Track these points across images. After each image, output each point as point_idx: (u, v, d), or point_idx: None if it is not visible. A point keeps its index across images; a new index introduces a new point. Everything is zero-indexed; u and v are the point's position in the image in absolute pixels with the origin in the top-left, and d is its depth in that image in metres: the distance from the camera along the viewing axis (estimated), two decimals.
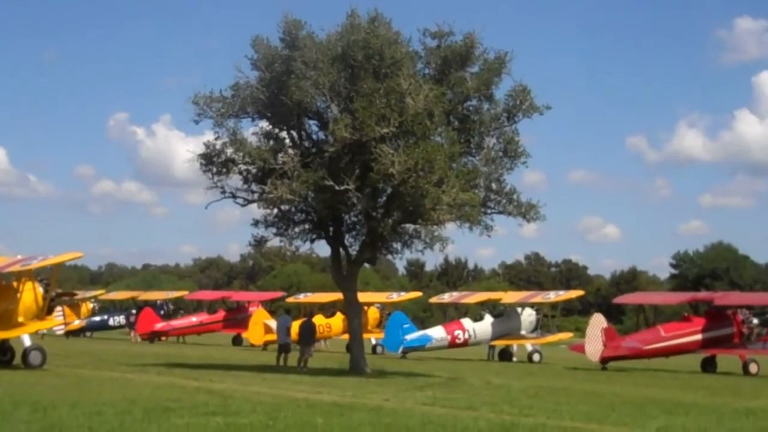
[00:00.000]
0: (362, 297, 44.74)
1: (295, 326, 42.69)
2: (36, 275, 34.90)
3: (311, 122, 37.62)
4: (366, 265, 42.89)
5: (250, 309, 67.18)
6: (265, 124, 37.74)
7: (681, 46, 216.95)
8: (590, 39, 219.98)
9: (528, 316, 57.06)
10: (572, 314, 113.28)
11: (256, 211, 38.29)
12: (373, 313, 61.80)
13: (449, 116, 36.18)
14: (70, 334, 67.92)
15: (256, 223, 38.30)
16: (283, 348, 41.07)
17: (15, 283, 34.43)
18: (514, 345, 56.40)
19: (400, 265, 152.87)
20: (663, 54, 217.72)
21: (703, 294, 60.52)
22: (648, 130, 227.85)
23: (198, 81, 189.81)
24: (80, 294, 76.04)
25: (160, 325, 68.89)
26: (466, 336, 55.68)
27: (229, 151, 36.85)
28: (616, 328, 51.14)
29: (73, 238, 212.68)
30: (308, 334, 40.26)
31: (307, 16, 36.25)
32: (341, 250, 38.68)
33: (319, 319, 56.71)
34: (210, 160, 37.25)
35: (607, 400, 27.79)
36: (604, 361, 45.82)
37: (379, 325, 61.09)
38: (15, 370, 32.46)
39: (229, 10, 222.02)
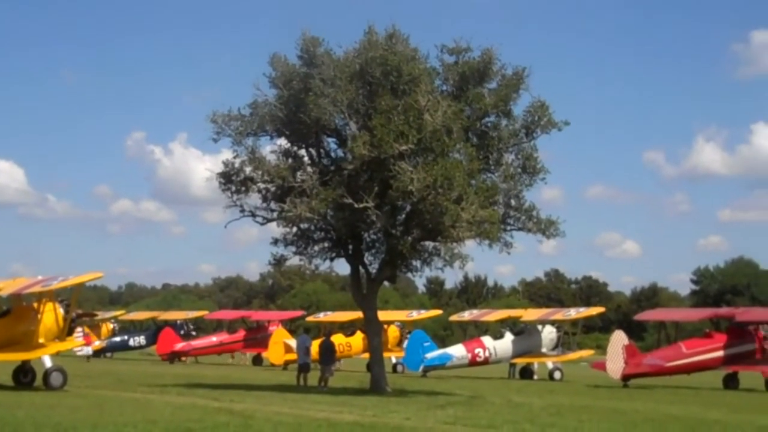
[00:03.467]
0: (382, 315, 44.60)
1: (315, 345, 42.59)
2: (56, 296, 34.88)
3: (330, 140, 37.61)
4: (386, 283, 42.72)
5: (270, 328, 67.04)
6: (283, 142, 37.74)
7: (697, 60, 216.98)
8: (606, 54, 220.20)
9: (549, 333, 56.76)
10: (593, 331, 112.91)
11: (275, 229, 38.35)
12: (393, 332, 61.61)
13: (468, 133, 36.10)
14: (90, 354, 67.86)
15: (275, 241, 38.26)
16: (303, 368, 40.88)
17: (35, 304, 34.43)
18: (535, 363, 56.12)
19: (420, 283, 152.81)
20: (679, 68, 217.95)
21: (724, 310, 60.10)
22: (665, 144, 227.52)
23: (213, 98, 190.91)
24: (100, 314, 76.14)
25: (180, 346, 68.85)
26: (487, 354, 55.40)
27: (248, 169, 36.83)
28: (638, 345, 50.85)
29: (92, 257, 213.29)
30: (327, 353, 40.13)
31: (324, 34, 36.34)
32: (361, 268, 38.56)
33: (339, 338, 56.62)
34: (229, 178, 37.25)
35: (628, 418, 27.63)
36: (626, 378, 45.57)
37: (400, 343, 60.91)
38: (36, 391, 32.42)
39: (244, 27, 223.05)
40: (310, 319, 75.10)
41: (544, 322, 57.55)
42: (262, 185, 37.13)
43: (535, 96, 36.86)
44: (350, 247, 38.09)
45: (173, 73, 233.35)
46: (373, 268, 38.35)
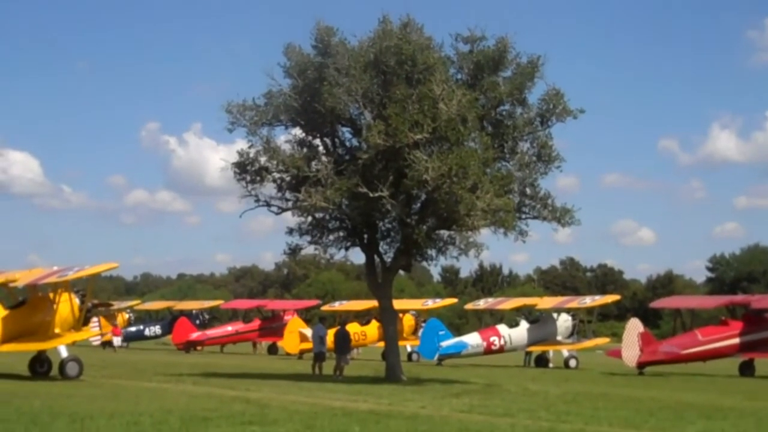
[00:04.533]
0: (397, 304, 44.54)
1: (330, 334, 42.58)
2: (72, 286, 34.97)
3: (344, 129, 37.56)
4: (401, 272, 42.72)
5: (286, 318, 67.11)
6: (298, 132, 37.67)
7: (712, 47, 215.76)
8: (620, 42, 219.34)
9: (564, 321, 56.72)
10: (608, 319, 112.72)
11: (290, 219, 38.39)
12: (408, 321, 61.71)
13: (482, 121, 36.00)
14: (106, 344, 67.97)
15: (290, 231, 38.28)
16: (319, 356, 40.84)
17: (51, 295, 34.49)
18: (551, 351, 56.12)
19: (435, 271, 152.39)
20: (693, 55, 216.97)
21: (740, 297, 59.88)
22: (680, 132, 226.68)
23: (227, 88, 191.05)
24: (116, 304, 76.30)
25: (195, 335, 68.98)
26: (502, 342, 55.39)
27: (263, 159, 36.80)
28: (653, 333, 50.95)
29: (107, 248, 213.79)
30: (343, 342, 40.10)
31: (339, 23, 36.26)
32: (376, 257, 38.56)
33: (354, 327, 56.65)
34: (244, 168, 37.25)
35: (645, 406, 27.58)
36: (641, 366, 45.57)
37: (415, 332, 61.00)
38: (52, 381, 32.54)
39: (258, 16, 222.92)
40: (325, 308, 75.17)
41: (559, 310, 57.49)
42: (277, 175, 37.13)
43: (550, 84, 36.75)
44: (365, 236, 38.09)
45: (188, 64, 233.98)
46: (388, 257, 38.33)
